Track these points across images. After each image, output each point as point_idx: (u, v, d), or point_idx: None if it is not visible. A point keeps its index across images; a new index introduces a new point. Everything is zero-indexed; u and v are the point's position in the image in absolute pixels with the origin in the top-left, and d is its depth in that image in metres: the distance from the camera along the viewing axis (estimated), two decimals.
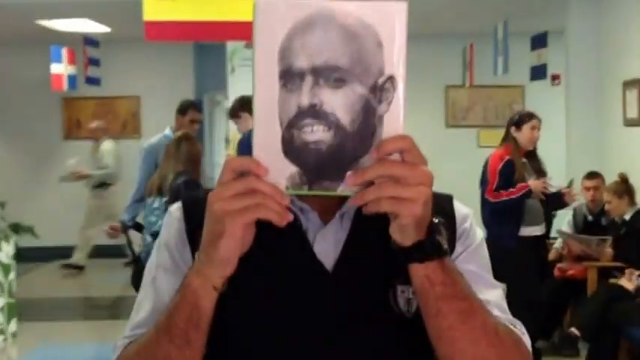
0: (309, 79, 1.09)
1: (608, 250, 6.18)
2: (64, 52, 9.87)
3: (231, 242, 1.12)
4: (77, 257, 10.38)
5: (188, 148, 5.25)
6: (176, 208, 1.40)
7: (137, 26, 5.78)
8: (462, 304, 1.20)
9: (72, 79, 10.05)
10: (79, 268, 10.64)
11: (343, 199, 1.28)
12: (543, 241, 6.01)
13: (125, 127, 12.08)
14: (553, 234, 6.59)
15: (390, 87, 1.10)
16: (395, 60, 1.10)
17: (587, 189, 6.55)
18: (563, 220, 6.76)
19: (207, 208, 1.13)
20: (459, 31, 10.71)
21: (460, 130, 12.02)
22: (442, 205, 1.36)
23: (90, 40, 9.39)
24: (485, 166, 5.83)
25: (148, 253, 5.19)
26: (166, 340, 1.21)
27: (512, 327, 1.33)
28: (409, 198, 1.08)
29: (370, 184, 1.09)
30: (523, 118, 5.76)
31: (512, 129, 5.76)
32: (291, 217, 1.12)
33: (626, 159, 7.24)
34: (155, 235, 5.09)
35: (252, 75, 1.10)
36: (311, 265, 1.30)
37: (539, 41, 8.58)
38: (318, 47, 1.08)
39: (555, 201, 5.79)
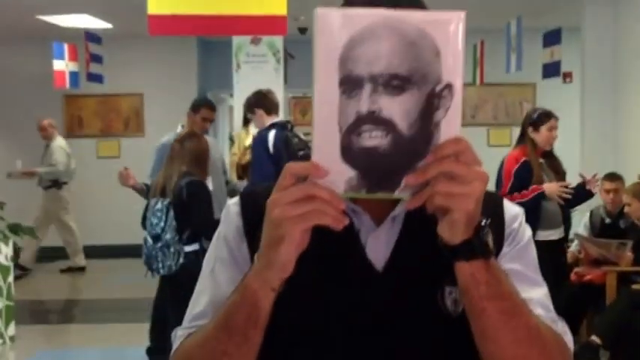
0: (368, 87, 1.12)
1: (628, 255, 5.93)
2: (66, 48, 9.67)
3: (290, 247, 1.16)
4: (22, 258, 9.95)
5: (193, 146, 5.06)
6: (234, 203, 1.45)
7: (139, 22, 5.60)
8: (506, 303, 1.23)
9: (74, 76, 9.87)
10: (81, 269, 10.46)
11: (395, 203, 1.33)
12: (561, 245, 5.77)
13: (128, 125, 11.93)
14: (572, 237, 6.35)
15: (448, 94, 1.14)
16: (452, 68, 1.14)
17: (607, 191, 6.32)
18: (579, 223, 6.51)
19: (267, 212, 1.17)
20: (469, 27, 10.30)
21: (469, 129, 11.68)
22: (493, 204, 1.39)
23: (91, 36, 9.20)
24: (500, 168, 5.59)
25: (148, 256, 5.01)
26: (225, 337, 1.26)
27: (554, 325, 1.36)
28: (462, 193, 1.12)
29: (426, 187, 1.14)
30: (541, 118, 5.53)
31: (529, 129, 5.54)
32: (347, 222, 1.15)
33: None
34: (156, 237, 4.91)
35: (312, 82, 1.14)
36: (362, 265, 1.34)
37: (552, 38, 8.38)
38: (377, 55, 1.11)
39: (580, 194, 5.56)
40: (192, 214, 4.93)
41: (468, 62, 10.36)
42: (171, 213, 4.95)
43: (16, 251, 7.56)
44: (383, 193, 1.17)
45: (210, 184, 5.72)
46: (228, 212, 1.45)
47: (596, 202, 6.49)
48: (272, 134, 5.60)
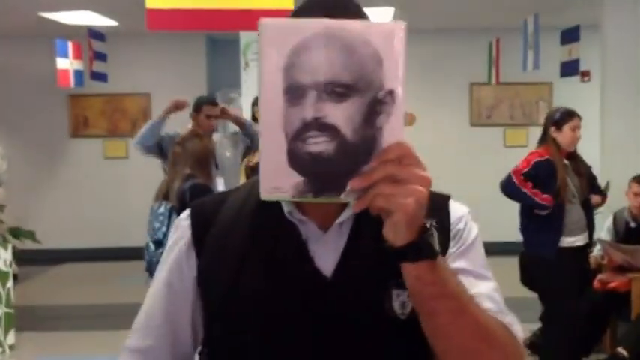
0: (312, 94, 1.16)
1: None
2: (70, 46, 9.44)
3: None
4: None
5: (195, 148, 4.85)
6: (185, 217, 1.52)
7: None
8: (454, 302, 1.28)
9: (78, 75, 9.62)
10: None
11: (341, 209, 1.40)
12: (585, 251, 5.48)
13: (135, 125, 11.61)
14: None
15: (390, 100, 1.18)
16: (394, 75, 1.18)
17: (636, 195, 6.00)
18: (601, 226, 6.21)
19: None
20: (484, 25, 10.41)
21: (485, 129, 11.61)
22: (439, 206, 1.46)
23: (95, 34, 8.96)
24: None
25: (150, 262, 4.77)
26: None
27: (503, 317, 1.40)
28: (404, 195, 1.15)
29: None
30: (563, 118, 5.25)
31: (552, 129, 5.26)
32: None
33: None
34: (158, 243, 4.69)
35: (258, 91, 1.20)
36: (311, 273, 1.39)
37: (570, 35, 8.11)
38: (320, 64, 1.16)
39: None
40: None
41: (483, 61, 10.31)
42: (174, 217, 4.71)
43: (16, 255, 7.32)
44: (329, 197, 1.20)
45: (220, 186, 5.47)
46: (179, 226, 1.52)
47: (620, 204, 6.19)
48: None
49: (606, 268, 6.02)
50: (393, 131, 1.19)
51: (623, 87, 7.51)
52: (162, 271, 1.53)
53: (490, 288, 1.45)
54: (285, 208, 1.43)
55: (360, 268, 1.39)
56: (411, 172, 1.17)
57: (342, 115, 1.16)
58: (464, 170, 11.01)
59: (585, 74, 10.46)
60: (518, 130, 11.53)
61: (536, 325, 6.24)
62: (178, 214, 4.68)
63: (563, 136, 5.22)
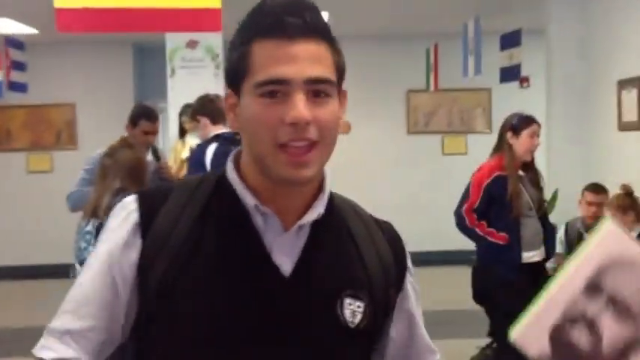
0: None
1: None
2: None
3: None
4: None
5: (126, 158, 4.46)
6: (132, 200, 1.42)
7: None
8: None
9: None
10: None
11: (304, 211, 1.40)
12: (542, 267, 5.16)
13: (59, 137, 11.25)
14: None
15: None
16: None
17: (590, 204, 5.75)
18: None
19: None
20: (422, 31, 10.23)
21: (423, 137, 11.46)
22: (395, 240, 1.54)
23: (13, 42, 8.48)
24: (473, 176, 5.03)
25: None
26: None
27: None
28: None
29: None
30: (521, 124, 4.94)
31: (509, 135, 4.94)
32: None
33: (620, 168, 6.54)
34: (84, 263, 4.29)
35: None
36: (268, 268, 1.37)
37: (511, 40, 7.96)
38: None
39: None
40: None
41: (420, 68, 10.13)
42: None
43: None
44: None
45: None
46: (124, 208, 1.42)
47: (569, 214, 5.96)
48: (211, 148, 4.81)
49: None
50: None
51: (569, 92, 7.32)
52: (101, 255, 1.41)
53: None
54: (250, 201, 1.38)
55: (318, 271, 1.40)
56: None
57: None
58: (402, 179, 10.83)
59: (524, 80, 10.38)
60: (456, 138, 11.41)
61: (484, 341, 5.99)
62: None
63: (520, 143, 4.91)
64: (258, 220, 1.39)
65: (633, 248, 1.28)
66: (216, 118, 5.00)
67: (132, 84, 11.19)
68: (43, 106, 11.07)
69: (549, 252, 5.14)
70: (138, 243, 1.38)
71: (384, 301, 1.47)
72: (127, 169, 4.40)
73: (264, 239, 1.38)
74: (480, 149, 5.30)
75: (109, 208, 4.28)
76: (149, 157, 5.38)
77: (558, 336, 1.28)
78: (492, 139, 5.24)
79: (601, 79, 7.05)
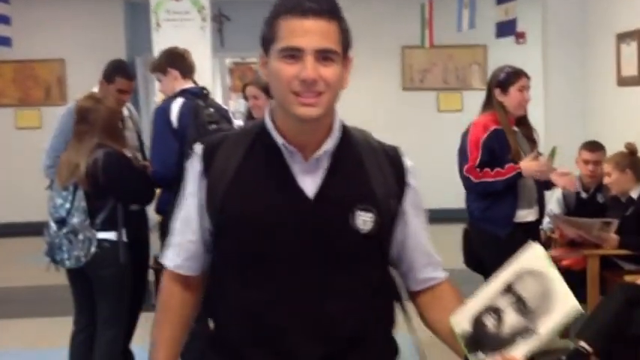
0: None
1: (613, 236, 5.18)
2: None
3: None
4: None
5: (98, 118, 4.26)
6: (198, 149, 1.95)
7: None
8: None
9: None
10: None
11: (319, 146, 1.86)
12: (537, 227, 4.97)
13: (49, 93, 11.10)
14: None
15: None
16: None
17: (586, 162, 5.57)
18: (550, 198, 5.76)
19: None
20: None
21: (418, 94, 11.36)
22: (395, 160, 1.98)
23: None
24: (464, 136, 4.79)
25: (51, 245, 4.20)
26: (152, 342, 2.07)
27: (436, 257, 2.09)
28: None
29: None
30: (509, 78, 4.71)
31: (497, 92, 4.73)
32: None
33: (619, 124, 6.40)
34: (61, 222, 4.18)
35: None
36: (296, 192, 1.83)
37: None
38: None
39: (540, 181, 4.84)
40: (124, 184, 4.30)
41: (415, 24, 9.95)
42: (80, 192, 4.17)
43: None
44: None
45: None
46: (194, 158, 1.93)
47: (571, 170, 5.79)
48: (177, 103, 4.58)
49: (557, 244, 5.58)
50: None
51: (566, 45, 7.13)
52: (188, 191, 1.95)
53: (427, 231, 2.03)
54: (279, 140, 1.85)
55: (335, 192, 1.84)
56: None
57: None
58: (396, 136, 10.23)
59: (520, 36, 10.28)
60: (452, 95, 11.30)
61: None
62: (93, 190, 4.17)
63: (510, 99, 4.69)
64: (286, 155, 1.85)
65: (545, 264, 1.80)
66: (186, 72, 4.79)
67: (123, 39, 11.03)
68: (32, 61, 10.95)
69: (542, 211, 4.98)
70: (204, 180, 1.89)
71: (388, 211, 1.89)
72: (102, 127, 4.25)
73: (292, 169, 1.84)
74: (475, 106, 5.12)
75: (92, 164, 4.15)
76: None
77: (478, 319, 1.83)
78: None
79: (599, 32, 6.86)
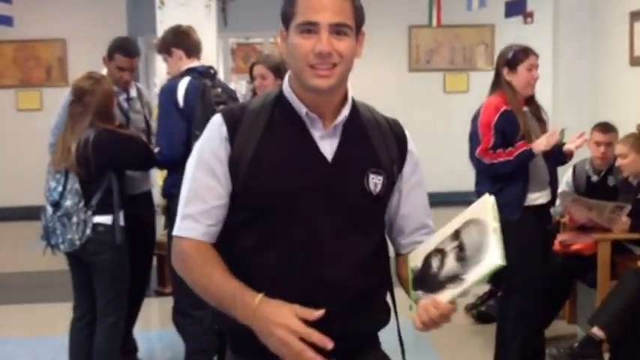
0: None
1: (625, 219, 5.03)
2: None
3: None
4: None
5: (92, 101, 4.17)
6: (218, 117, 2.04)
7: None
8: None
9: None
10: None
11: (337, 115, 2.00)
12: (548, 210, 4.82)
13: (50, 74, 10.98)
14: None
15: None
16: None
17: (598, 144, 5.38)
18: (560, 180, 5.61)
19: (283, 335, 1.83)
20: None
21: (424, 75, 11.23)
22: (399, 134, 2.14)
23: None
24: (474, 119, 4.65)
25: (46, 229, 4.10)
26: (218, 297, 1.95)
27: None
28: None
29: None
30: (517, 57, 4.54)
31: (505, 71, 4.58)
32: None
33: (631, 105, 6.26)
34: (55, 205, 4.10)
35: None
36: (317, 157, 1.97)
37: None
38: None
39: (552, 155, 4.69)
40: (115, 155, 4.19)
41: (422, 2, 9.79)
42: (72, 174, 4.08)
43: None
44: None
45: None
46: (214, 123, 2.03)
47: (580, 155, 5.65)
48: (184, 82, 4.40)
49: (567, 228, 5.46)
50: None
51: (577, 24, 6.97)
52: (202, 156, 2.01)
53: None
54: (302, 110, 1.98)
55: (350, 157, 1.99)
56: None
57: None
58: (402, 117, 10.12)
59: (528, 15, 10.07)
60: (458, 75, 11.20)
61: (481, 289, 5.77)
62: (86, 171, 4.04)
63: (518, 79, 4.54)
64: (307, 123, 1.99)
65: (490, 214, 1.85)
66: (191, 50, 4.61)
67: (125, 19, 10.85)
68: (32, 41, 10.82)
69: (554, 194, 4.84)
70: (229, 147, 1.97)
71: (392, 176, 2.05)
72: (95, 109, 4.16)
73: (313, 136, 1.98)
74: (482, 87, 4.98)
75: (84, 145, 4.04)
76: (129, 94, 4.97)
77: (427, 259, 1.94)
78: None
79: (611, 11, 6.71)
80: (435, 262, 1.91)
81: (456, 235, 1.89)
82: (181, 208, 2.03)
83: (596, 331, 4.51)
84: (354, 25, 1.94)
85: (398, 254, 2.17)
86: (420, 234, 2.13)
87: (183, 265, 2.01)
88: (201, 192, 2.00)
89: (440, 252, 1.91)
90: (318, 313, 1.83)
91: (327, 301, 1.89)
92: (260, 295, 1.86)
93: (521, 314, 4.55)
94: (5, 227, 10.25)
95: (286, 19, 1.96)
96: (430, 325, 1.85)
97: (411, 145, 2.14)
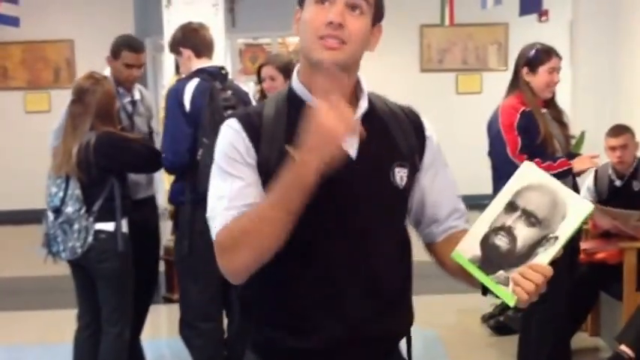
0: None
1: None
2: None
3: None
4: None
5: (93, 101, 4.05)
6: (234, 122, 1.93)
7: None
8: None
9: None
10: None
11: (354, 109, 1.88)
12: None
13: (58, 75, 10.96)
14: None
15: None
16: None
17: (613, 149, 5.18)
18: (580, 187, 5.43)
19: (323, 122, 1.69)
20: None
21: (436, 75, 11.13)
22: (417, 123, 2.05)
23: None
24: (491, 124, 4.49)
25: (48, 236, 4.02)
26: (282, 213, 1.74)
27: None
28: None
29: None
30: (540, 57, 4.37)
31: (524, 70, 4.42)
32: None
33: None
34: (56, 211, 4.00)
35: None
36: (341, 154, 1.77)
37: None
38: None
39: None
40: (122, 159, 4.12)
41: (435, 1, 9.66)
42: (74, 179, 3.98)
43: None
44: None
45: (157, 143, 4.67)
46: (231, 129, 1.92)
47: (602, 158, 5.47)
48: (191, 85, 4.20)
49: (590, 235, 5.27)
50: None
51: (597, 22, 6.79)
52: (222, 159, 1.90)
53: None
54: (316, 102, 1.82)
55: (373, 152, 1.90)
56: None
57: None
58: None
59: (543, 14, 9.86)
60: (471, 76, 11.12)
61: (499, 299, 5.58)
62: (87, 176, 3.92)
63: (537, 80, 4.36)
64: None
65: (541, 175, 1.81)
66: (201, 50, 4.41)
67: (132, 20, 10.78)
68: (40, 42, 10.81)
69: None
70: (252, 150, 1.87)
71: (414, 166, 1.98)
72: (96, 110, 4.05)
73: None
74: (495, 88, 4.83)
75: (85, 148, 3.93)
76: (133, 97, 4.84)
77: (486, 242, 1.82)
78: (508, 77, 4.67)
79: (633, 8, 6.52)
80: (500, 241, 1.80)
81: (512, 207, 1.80)
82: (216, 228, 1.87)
83: (625, 348, 4.33)
84: (372, 11, 1.87)
85: (431, 244, 2.07)
86: (454, 218, 2.06)
87: (230, 240, 1.81)
88: (235, 194, 1.85)
89: (500, 229, 1.80)
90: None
91: (363, 301, 1.89)
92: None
93: (546, 326, 4.38)
94: (14, 231, 10.18)
95: None
96: (533, 294, 1.74)
97: (429, 131, 2.06)
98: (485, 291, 1.84)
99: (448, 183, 2.08)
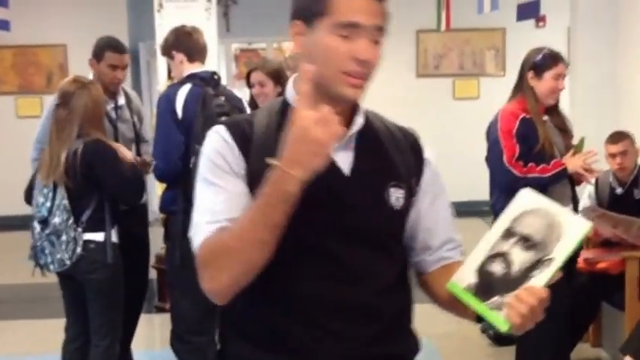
0: None
1: None
2: None
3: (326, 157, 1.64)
4: None
5: (80, 105, 3.96)
6: (222, 129, 1.83)
7: None
8: None
9: None
10: None
11: (348, 125, 1.82)
12: None
13: (50, 80, 10.85)
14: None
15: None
16: None
17: (612, 156, 5.12)
18: (581, 194, 5.34)
19: (305, 127, 1.60)
20: None
21: (433, 80, 11.09)
22: (415, 147, 1.97)
23: None
24: (491, 129, 4.41)
25: (35, 249, 3.85)
26: (261, 228, 1.64)
27: None
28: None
29: None
30: (546, 62, 4.30)
31: (529, 75, 4.33)
32: None
33: None
34: (43, 222, 3.91)
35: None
36: (333, 170, 1.76)
37: None
38: None
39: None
40: (106, 177, 3.96)
41: (430, 7, 9.61)
42: (61, 189, 3.87)
43: None
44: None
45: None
46: (218, 136, 1.82)
47: (600, 167, 5.39)
48: (183, 90, 4.11)
49: (591, 243, 5.17)
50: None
51: (596, 28, 6.69)
52: (208, 168, 1.81)
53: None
54: None
55: (368, 170, 1.84)
56: None
57: None
58: (410, 125, 10.26)
59: (540, 19, 9.87)
60: (468, 81, 11.07)
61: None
62: (74, 185, 3.82)
63: (542, 86, 4.28)
64: None
65: (538, 200, 1.80)
66: (194, 54, 4.31)
67: (126, 24, 10.71)
68: (33, 46, 10.75)
69: (576, 208, 4.58)
70: (242, 160, 1.78)
71: (411, 189, 1.89)
72: (83, 114, 3.95)
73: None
74: (492, 93, 4.75)
75: (72, 156, 3.82)
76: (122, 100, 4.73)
77: (481, 269, 1.78)
78: (506, 83, 4.62)
79: (630, 14, 6.43)
80: (496, 267, 1.77)
81: (509, 234, 1.78)
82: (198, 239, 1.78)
83: None
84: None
85: (423, 274, 1.98)
86: (448, 248, 1.96)
87: (211, 257, 1.73)
88: (223, 205, 1.76)
89: (497, 256, 1.78)
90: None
91: (351, 326, 1.81)
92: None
93: (544, 338, 4.28)
94: (4, 237, 10.07)
95: (310, 14, 1.75)
96: (528, 319, 1.66)
97: (428, 154, 1.98)
98: (480, 319, 1.80)
99: (445, 211, 2.00)
